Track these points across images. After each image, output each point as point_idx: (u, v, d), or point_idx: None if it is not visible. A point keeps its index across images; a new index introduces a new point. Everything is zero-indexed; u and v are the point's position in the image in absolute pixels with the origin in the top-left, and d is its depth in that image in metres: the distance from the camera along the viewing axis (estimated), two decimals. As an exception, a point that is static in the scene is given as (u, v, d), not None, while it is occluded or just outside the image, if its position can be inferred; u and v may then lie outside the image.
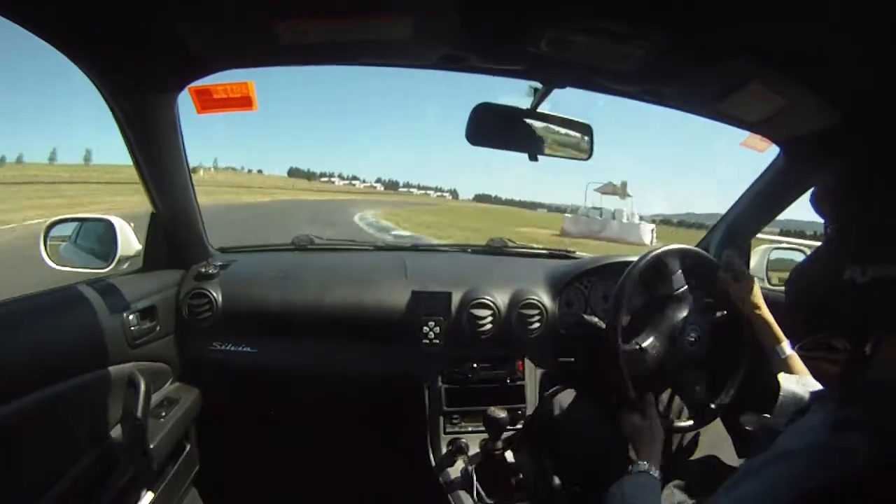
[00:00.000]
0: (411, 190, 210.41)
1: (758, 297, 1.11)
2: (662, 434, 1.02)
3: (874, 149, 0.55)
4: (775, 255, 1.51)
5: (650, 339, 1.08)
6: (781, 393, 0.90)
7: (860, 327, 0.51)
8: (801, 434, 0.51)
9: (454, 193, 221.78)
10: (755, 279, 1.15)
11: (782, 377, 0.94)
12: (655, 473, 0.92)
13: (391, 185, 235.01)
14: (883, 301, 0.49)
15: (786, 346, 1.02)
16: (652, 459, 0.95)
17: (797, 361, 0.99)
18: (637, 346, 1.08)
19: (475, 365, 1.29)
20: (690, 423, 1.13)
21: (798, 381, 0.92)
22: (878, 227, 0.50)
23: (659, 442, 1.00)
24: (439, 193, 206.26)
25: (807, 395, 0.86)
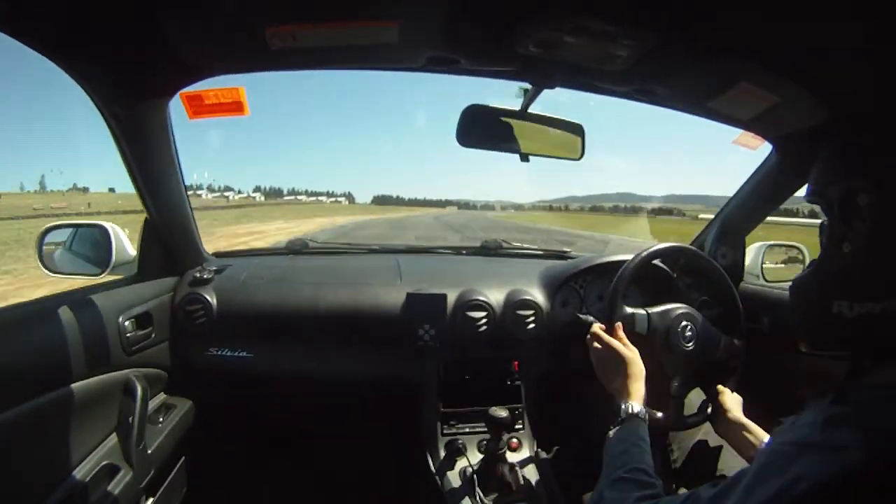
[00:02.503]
0: (299, 197, 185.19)
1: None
2: (642, 369, 0.91)
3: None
4: (770, 252, 1.51)
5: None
6: None
7: (854, 352, 0.53)
8: (794, 430, 0.51)
9: (350, 197, 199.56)
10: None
11: None
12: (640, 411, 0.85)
13: (274, 194, 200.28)
14: (870, 335, 0.51)
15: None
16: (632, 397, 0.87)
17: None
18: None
19: (471, 366, 1.29)
20: (686, 422, 1.13)
21: None
22: (859, 264, 0.52)
23: (639, 380, 0.90)
24: (333, 199, 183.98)
25: None
